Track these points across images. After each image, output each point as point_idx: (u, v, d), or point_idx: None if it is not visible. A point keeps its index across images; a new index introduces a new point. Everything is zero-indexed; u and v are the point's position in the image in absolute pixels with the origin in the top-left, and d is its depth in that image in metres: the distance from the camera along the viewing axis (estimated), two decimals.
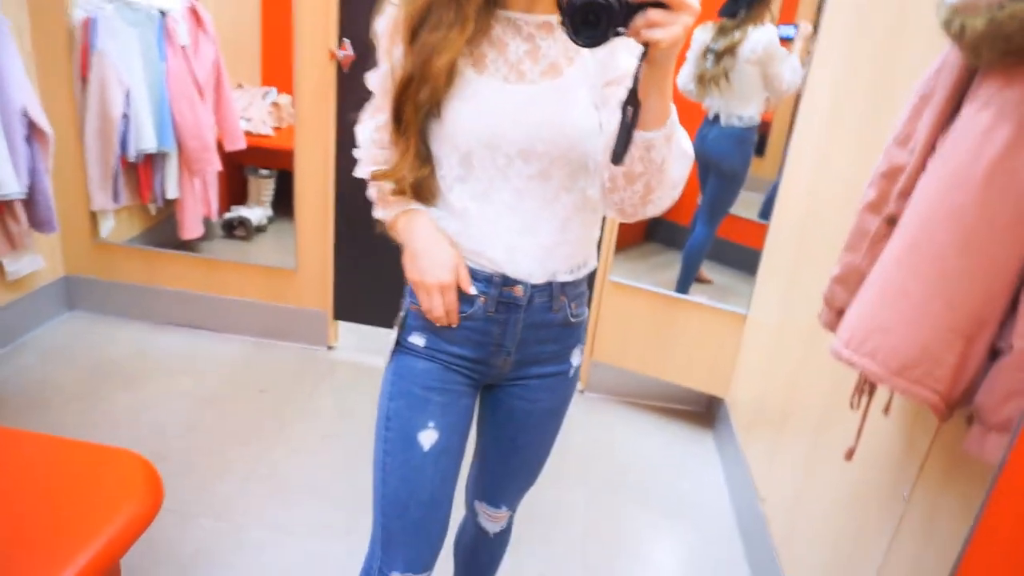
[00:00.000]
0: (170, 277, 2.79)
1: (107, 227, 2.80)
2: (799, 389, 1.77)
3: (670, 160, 0.91)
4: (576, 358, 1.16)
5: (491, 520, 1.31)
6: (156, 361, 2.60)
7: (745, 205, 2.59)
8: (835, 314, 1.13)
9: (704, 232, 2.60)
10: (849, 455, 1.10)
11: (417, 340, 1.10)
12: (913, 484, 1.16)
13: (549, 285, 1.06)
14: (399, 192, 1.06)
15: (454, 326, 1.07)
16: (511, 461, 1.22)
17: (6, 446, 1.36)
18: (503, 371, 1.11)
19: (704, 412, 2.62)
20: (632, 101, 0.83)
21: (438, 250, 1.04)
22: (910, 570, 1.16)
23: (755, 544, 1.91)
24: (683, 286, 2.59)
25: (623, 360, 2.55)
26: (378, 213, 1.12)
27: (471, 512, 1.34)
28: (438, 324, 1.07)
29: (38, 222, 2.41)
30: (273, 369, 2.63)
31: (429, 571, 1.12)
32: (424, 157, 1.05)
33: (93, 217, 2.73)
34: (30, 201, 2.36)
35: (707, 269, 2.67)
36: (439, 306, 1.04)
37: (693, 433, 2.51)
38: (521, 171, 1.00)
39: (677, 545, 1.99)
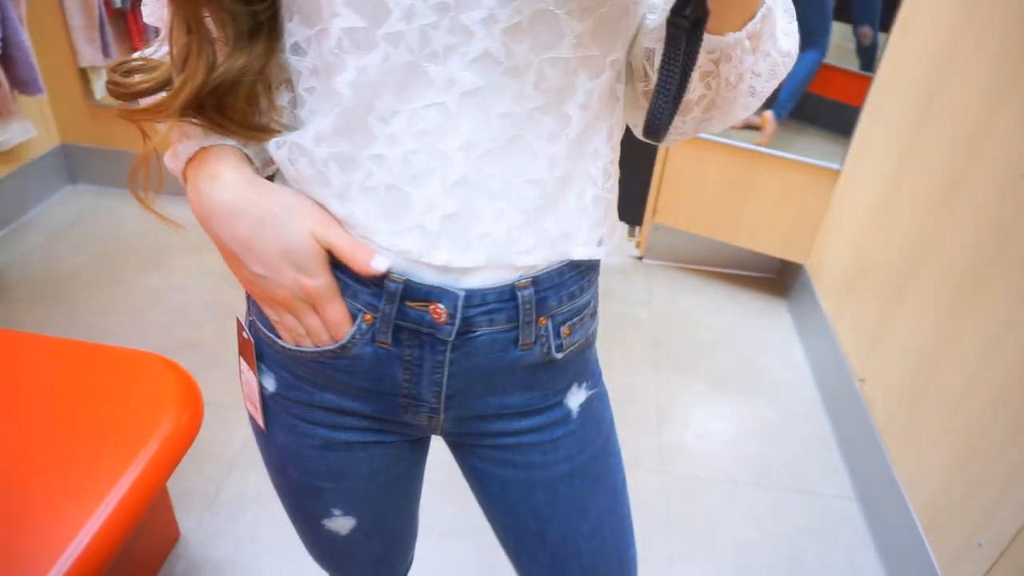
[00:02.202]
0: None
1: (101, 87, 2.47)
2: (924, 255, 1.52)
3: (756, 70, 0.53)
4: (574, 398, 0.65)
5: None
6: (174, 237, 2.36)
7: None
8: None
9: (815, 55, 2.18)
10: None
11: (265, 382, 0.63)
12: None
13: (513, 298, 0.56)
14: (179, 105, 0.51)
15: (319, 346, 0.58)
16: (562, 566, 0.71)
17: (19, 353, 1.16)
18: (433, 429, 0.65)
19: (776, 280, 2.39)
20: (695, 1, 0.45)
21: (279, 219, 0.53)
22: None
23: (848, 426, 1.75)
24: (781, 110, 2.21)
25: (688, 224, 2.29)
26: (170, 161, 0.59)
27: None
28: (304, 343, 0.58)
29: (20, 82, 2.09)
30: None
31: None
32: None
33: (84, 76, 2.40)
34: (7, 58, 2.04)
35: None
36: (317, 331, 0.57)
37: (765, 302, 2.30)
38: None
39: (757, 424, 1.83)
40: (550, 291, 0.58)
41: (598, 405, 0.68)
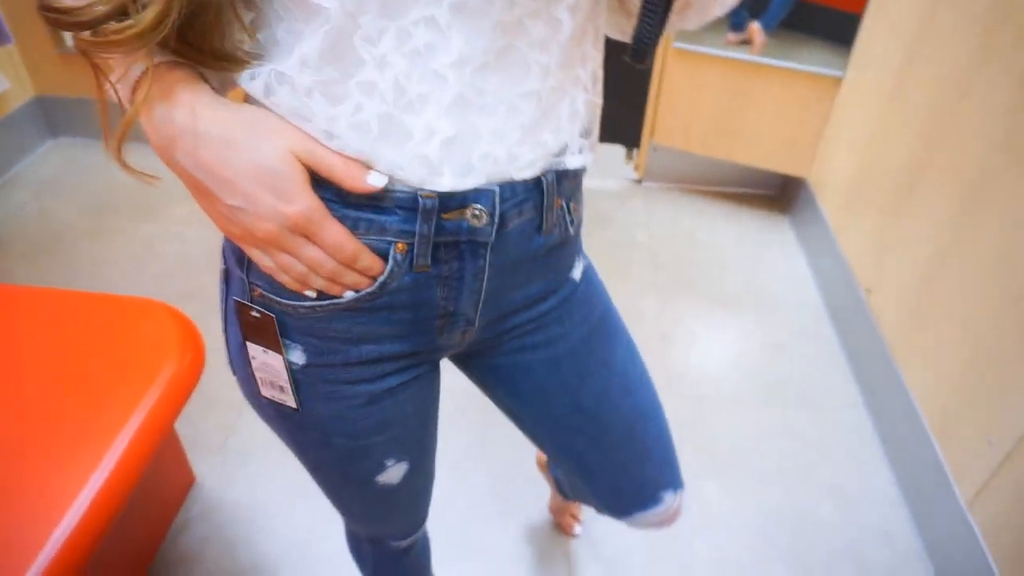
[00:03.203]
0: None
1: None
2: (930, 160, 1.48)
3: None
4: (577, 270, 0.68)
5: (659, 527, 0.81)
6: (165, 187, 2.30)
7: None
8: None
9: None
10: None
11: (293, 356, 0.59)
12: None
13: (537, 185, 0.55)
14: (142, 35, 0.43)
15: (357, 291, 0.54)
16: (605, 429, 0.73)
17: (20, 305, 1.14)
18: (461, 345, 0.65)
19: (778, 195, 2.35)
20: None
21: (250, 139, 0.47)
22: None
23: (855, 337, 1.74)
24: (771, 20, 2.11)
25: (687, 142, 2.23)
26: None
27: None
28: (307, 289, 0.54)
29: None
30: None
31: (415, 532, 0.88)
32: None
33: None
34: None
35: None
36: (319, 261, 0.51)
37: (767, 220, 2.27)
38: None
39: (762, 341, 1.83)
40: (561, 173, 0.58)
41: (591, 271, 0.72)
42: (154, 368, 1.02)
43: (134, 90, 0.48)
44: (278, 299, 0.55)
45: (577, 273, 0.68)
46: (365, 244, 0.52)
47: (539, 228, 0.58)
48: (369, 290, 0.54)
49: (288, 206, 0.48)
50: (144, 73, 0.47)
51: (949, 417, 1.34)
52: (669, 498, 0.77)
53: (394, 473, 0.69)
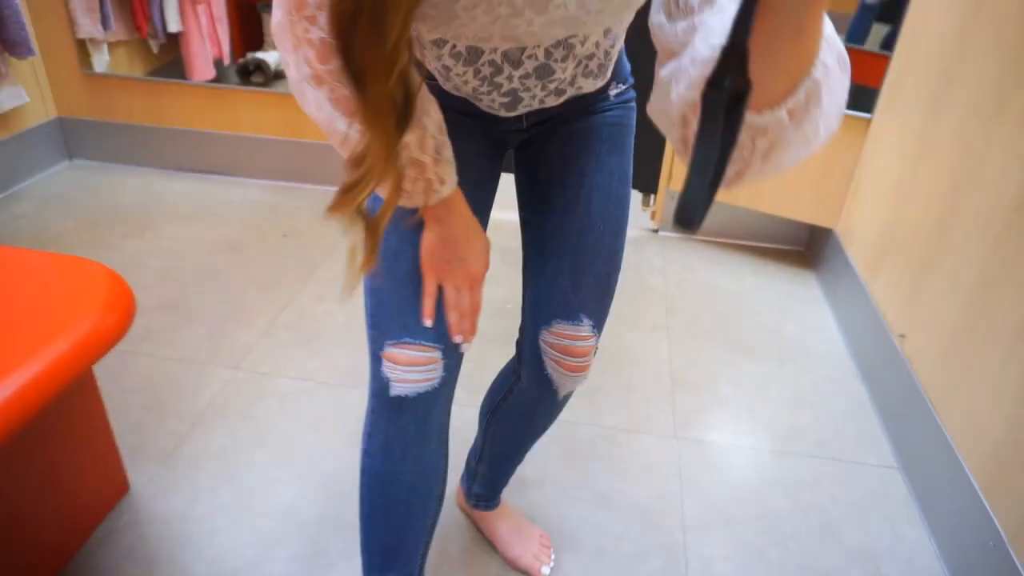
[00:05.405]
0: (176, 115, 2.43)
1: (101, 62, 2.42)
2: (960, 202, 1.34)
3: (797, 139, 0.48)
4: (613, 90, 0.84)
5: (569, 357, 0.86)
6: (166, 208, 2.27)
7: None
8: None
9: None
10: None
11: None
12: None
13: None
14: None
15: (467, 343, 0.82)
16: (571, 224, 0.84)
17: None
18: (519, 129, 0.84)
19: (803, 251, 2.20)
20: (734, 71, 0.39)
21: (478, 238, 0.79)
22: None
23: (887, 388, 1.55)
24: None
25: None
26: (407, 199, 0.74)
27: (534, 363, 0.90)
28: (453, 332, 0.80)
29: (9, 43, 2.04)
30: (297, 213, 2.29)
31: (436, 345, 0.79)
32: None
33: (82, 48, 2.35)
34: None
35: None
36: (465, 302, 0.79)
37: (791, 273, 2.11)
38: None
39: (780, 388, 1.64)
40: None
41: (623, 103, 0.86)
42: (72, 318, 0.90)
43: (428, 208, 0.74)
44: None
45: (612, 91, 0.83)
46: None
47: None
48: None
49: (482, 268, 0.81)
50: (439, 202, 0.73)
51: (999, 474, 1.13)
52: (587, 325, 0.86)
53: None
